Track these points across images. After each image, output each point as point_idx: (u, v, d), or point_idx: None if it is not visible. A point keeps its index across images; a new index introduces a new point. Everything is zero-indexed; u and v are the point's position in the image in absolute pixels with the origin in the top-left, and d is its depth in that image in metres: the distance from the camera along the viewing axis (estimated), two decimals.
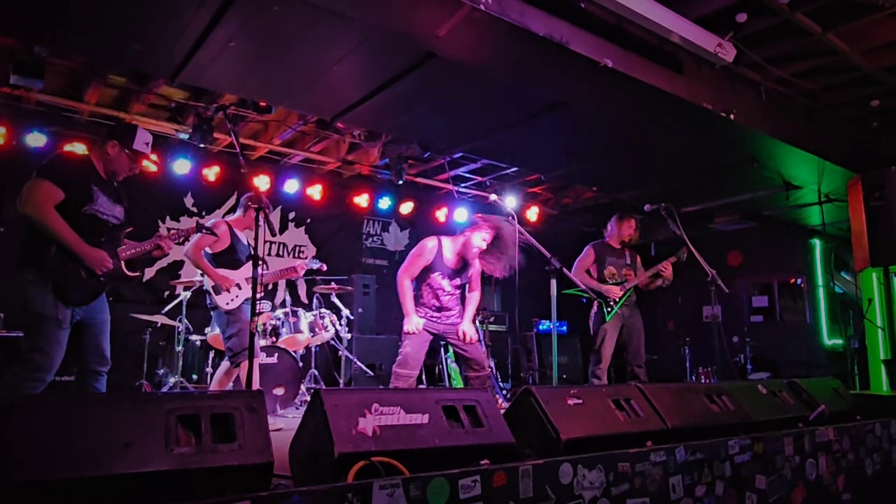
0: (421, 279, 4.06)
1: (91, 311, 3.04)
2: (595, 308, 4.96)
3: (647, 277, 4.99)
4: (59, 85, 5.69)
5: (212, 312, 4.44)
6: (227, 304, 4.26)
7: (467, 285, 4.20)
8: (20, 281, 2.86)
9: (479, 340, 4.21)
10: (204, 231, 3.77)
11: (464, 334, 4.02)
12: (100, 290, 3.06)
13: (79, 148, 6.12)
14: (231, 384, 4.53)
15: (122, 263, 3.12)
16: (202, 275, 4.35)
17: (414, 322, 3.93)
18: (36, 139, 5.99)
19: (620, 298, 4.87)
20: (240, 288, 4.34)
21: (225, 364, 4.41)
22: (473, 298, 4.20)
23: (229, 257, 4.38)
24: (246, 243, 4.55)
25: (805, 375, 4.01)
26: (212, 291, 4.25)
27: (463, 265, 4.07)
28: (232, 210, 7.14)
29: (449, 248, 4.05)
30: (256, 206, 3.23)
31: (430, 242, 4.04)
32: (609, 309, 4.86)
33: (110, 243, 3.08)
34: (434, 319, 4.05)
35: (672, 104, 4.58)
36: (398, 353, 3.96)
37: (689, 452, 2.41)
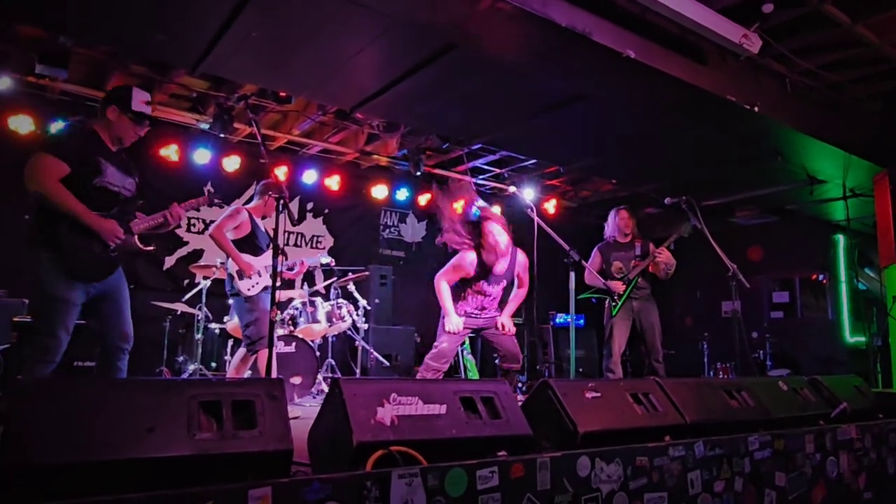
0: (466, 284, 4.02)
1: (107, 286, 2.97)
2: (607, 303, 4.95)
3: (649, 264, 4.93)
4: (82, 74, 5.76)
5: (231, 300, 4.48)
6: (249, 289, 4.29)
7: (516, 281, 4.15)
8: (33, 261, 2.81)
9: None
10: (215, 203, 3.74)
11: (502, 325, 4.02)
12: (114, 264, 2.98)
13: None
14: (248, 371, 4.58)
15: (136, 237, 3.06)
16: (226, 258, 4.39)
17: (455, 322, 3.91)
18: (59, 128, 6.06)
19: (624, 291, 4.85)
20: (260, 275, 4.37)
21: (241, 351, 4.45)
22: (519, 295, 4.16)
23: (249, 245, 4.41)
24: (264, 231, 4.58)
25: (826, 373, 3.94)
26: (235, 276, 4.30)
27: (503, 264, 4.00)
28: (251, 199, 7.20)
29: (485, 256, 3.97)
30: (277, 194, 3.24)
31: (470, 257, 3.94)
32: (614, 303, 4.84)
33: (122, 216, 3.00)
34: (474, 316, 4.04)
35: (695, 96, 4.52)
36: (434, 346, 3.97)
37: (708, 448, 2.39)
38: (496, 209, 3.97)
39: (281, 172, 7.25)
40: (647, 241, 5.14)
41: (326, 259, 5.53)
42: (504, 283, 4.06)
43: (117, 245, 2.93)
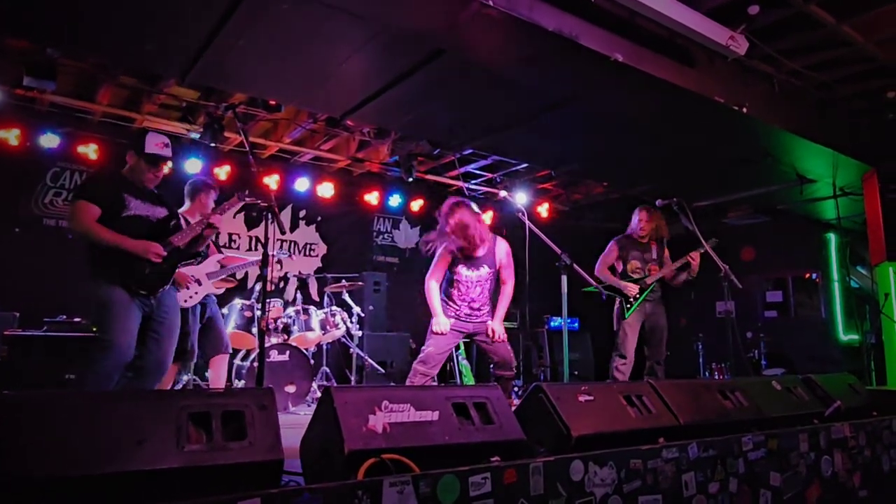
0: (450, 277, 4.03)
1: (162, 310, 3.25)
2: (617, 303, 4.92)
3: (673, 269, 4.91)
4: (71, 86, 5.74)
5: None
6: (185, 301, 4.12)
7: (500, 274, 4.09)
8: (93, 286, 3.09)
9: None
10: (247, 199, 3.72)
11: (492, 332, 3.94)
12: (165, 274, 3.25)
13: (91, 149, 6.19)
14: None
15: (177, 247, 3.32)
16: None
17: (442, 323, 3.89)
18: (49, 140, 6.04)
19: (640, 295, 4.83)
20: (200, 284, 4.23)
21: None
22: (506, 293, 4.06)
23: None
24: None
25: (820, 371, 3.96)
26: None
27: (482, 251, 3.98)
28: (242, 210, 7.19)
29: (456, 243, 3.96)
30: (266, 203, 3.20)
31: (444, 245, 3.99)
32: (628, 306, 4.82)
33: (160, 236, 3.27)
34: (464, 319, 3.99)
35: (683, 98, 4.54)
36: (421, 350, 3.95)
37: (702, 449, 2.39)
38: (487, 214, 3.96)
39: (272, 181, 7.23)
40: (664, 246, 5.10)
41: (285, 254, 5.41)
42: (486, 270, 3.99)
43: (162, 259, 3.19)
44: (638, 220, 5.04)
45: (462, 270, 3.97)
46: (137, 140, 3.31)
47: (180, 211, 4.42)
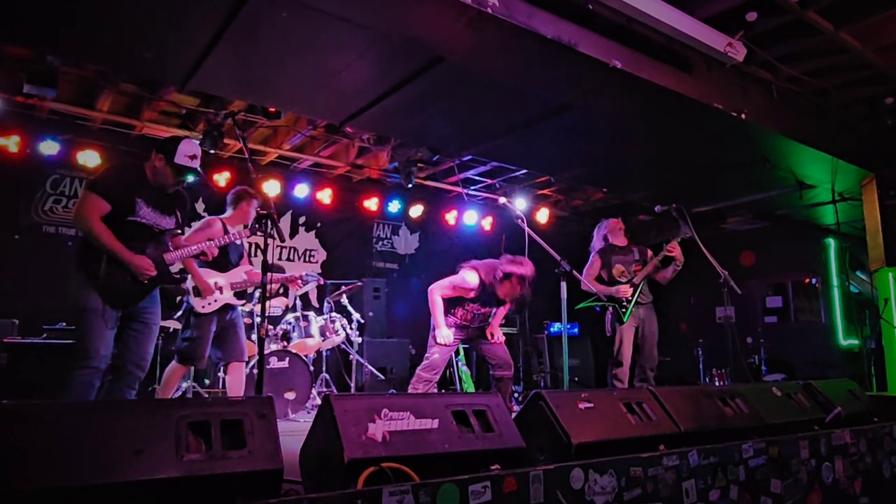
0: (459, 302, 4.14)
1: (140, 308, 3.20)
2: (610, 310, 4.92)
3: (657, 264, 4.92)
4: (71, 93, 5.75)
5: (183, 302, 4.34)
6: (203, 308, 4.10)
7: None
8: (74, 281, 3.07)
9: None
10: (258, 232, 3.66)
11: (492, 334, 4.16)
12: (146, 292, 3.21)
13: (91, 156, 6.20)
14: (229, 384, 4.45)
15: (168, 267, 3.28)
16: (182, 272, 4.08)
17: (445, 335, 4.04)
18: (49, 147, 6.05)
19: (633, 295, 4.83)
20: (221, 292, 4.19)
21: (173, 364, 4.25)
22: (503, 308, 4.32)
23: (220, 259, 4.09)
24: (239, 242, 4.37)
25: (820, 377, 3.95)
26: (191, 292, 4.10)
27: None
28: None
29: (487, 286, 4.08)
30: (265, 210, 3.19)
31: (472, 280, 4.04)
32: (624, 310, 4.81)
33: (156, 248, 3.25)
34: (464, 327, 4.17)
35: (682, 104, 4.54)
36: (425, 357, 4.04)
37: (703, 456, 2.39)
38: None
39: (272, 187, 7.23)
40: (644, 247, 5.13)
41: (314, 277, 5.26)
42: (496, 306, 4.20)
43: (149, 279, 3.17)
44: (610, 225, 5.13)
45: (478, 307, 4.13)
46: (170, 145, 3.24)
47: (222, 217, 4.39)
